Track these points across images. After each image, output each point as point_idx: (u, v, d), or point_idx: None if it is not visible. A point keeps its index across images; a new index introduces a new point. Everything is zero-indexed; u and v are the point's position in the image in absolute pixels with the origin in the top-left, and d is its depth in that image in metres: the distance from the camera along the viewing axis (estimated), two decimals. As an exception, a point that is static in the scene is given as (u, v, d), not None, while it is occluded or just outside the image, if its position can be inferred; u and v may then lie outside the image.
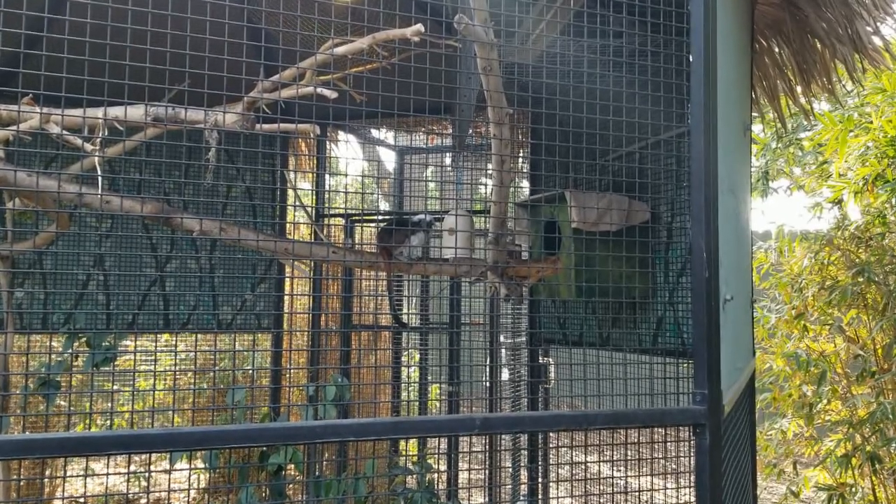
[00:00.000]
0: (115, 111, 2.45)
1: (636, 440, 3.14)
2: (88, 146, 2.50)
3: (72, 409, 4.60)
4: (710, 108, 2.03)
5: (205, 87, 2.05)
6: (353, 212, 5.54)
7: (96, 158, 2.53)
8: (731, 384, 2.33)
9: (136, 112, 2.47)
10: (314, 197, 5.55)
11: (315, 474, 4.41)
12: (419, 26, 2.40)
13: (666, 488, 3.43)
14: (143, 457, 5.04)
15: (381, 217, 5.71)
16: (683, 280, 3.27)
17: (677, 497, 3.33)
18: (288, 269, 5.43)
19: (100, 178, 2.52)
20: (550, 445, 4.64)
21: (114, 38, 1.90)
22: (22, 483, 4.35)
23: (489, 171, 5.31)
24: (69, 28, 1.90)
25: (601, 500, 4.20)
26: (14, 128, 2.51)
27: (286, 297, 5.51)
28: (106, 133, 2.53)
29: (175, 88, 2.16)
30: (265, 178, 5.37)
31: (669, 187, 3.43)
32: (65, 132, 2.48)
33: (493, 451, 4.80)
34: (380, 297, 5.36)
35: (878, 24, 3.46)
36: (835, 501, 4.61)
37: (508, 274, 3.11)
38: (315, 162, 5.74)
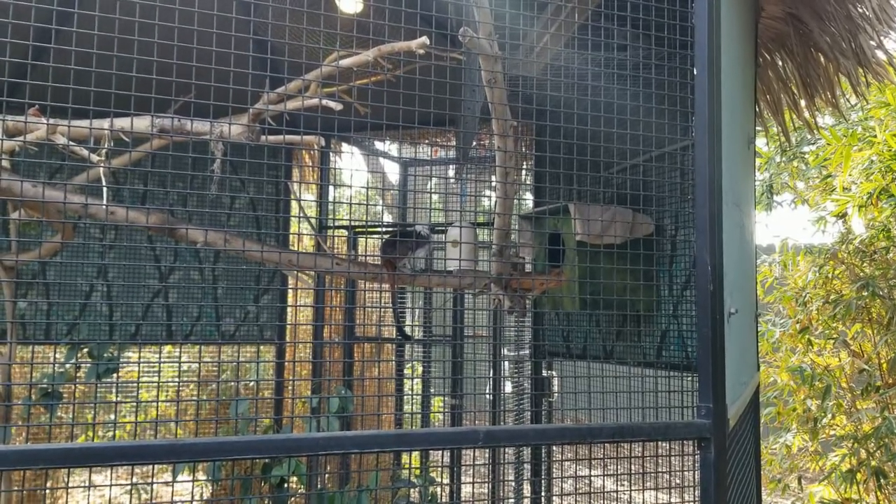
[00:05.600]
0: (122, 122, 2.46)
1: (640, 454, 3.13)
2: (94, 157, 2.51)
3: (74, 420, 4.60)
4: (714, 121, 2.03)
5: (210, 99, 2.06)
6: (357, 223, 5.54)
7: (102, 169, 2.54)
8: (736, 398, 2.32)
9: (142, 123, 2.48)
10: (318, 208, 5.56)
11: (318, 487, 4.39)
12: (424, 39, 2.41)
13: (670, 503, 3.41)
14: (145, 468, 5.03)
15: (384, 229, 5.71)
16: (688, 293, 3.27)
17: (682, 512, 3.30)
18: (291, 281, 5.43)
19: (105, 189, 2.52)
20: (554, 459, 4.61)
21: (121, 50, 1.91)
22: (24, 494, 4.33)
23: (493, 184, 5.31)
24: (76, 40, 1.91)
25: (605, 515, 4.17)
26: (21, 138, 2.52)
27: (289, 309, 5.50)
28: (112, 144, 2.54)
29: (181, 100, 2.17)
30: (269, 190, 5.39)
31: (673, 200, 3.43)
32: (71, 143, 2.49)
33: (496, 465, 4.78)
34: (383, 309, 5.36)
35: (882, 38, 3.47)
36: (840, 517, 4.59)
37: (512, 286, 3.10)
38: (319, 174, 5.75)
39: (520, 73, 3.52)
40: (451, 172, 5.90)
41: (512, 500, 4.83)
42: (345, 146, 5.85)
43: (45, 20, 3.19)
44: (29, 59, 2.36)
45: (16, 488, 3.82)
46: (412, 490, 3.54)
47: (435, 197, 6.90)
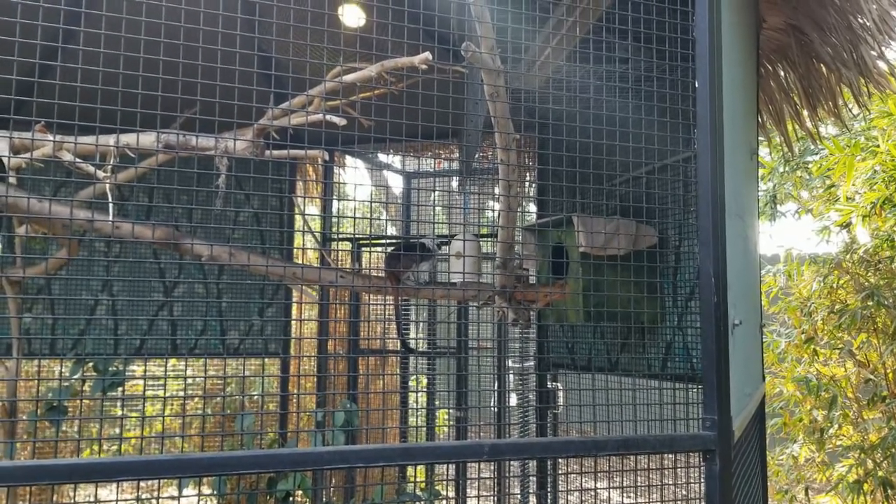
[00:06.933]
0: (127, 138, 2.48)
1: (646, 466, 3.12)
2: (100, 173, 2.53)
3: (79, 434, 4.60)
4: (716, 132, 2.04)
5: (215, 115, 2.07)
6: (361, 236, 5.55)
7: (107, 185, 2.56)
8: (741, 409, 2.32)
9: (147, 139, 2.50)
10: (322, 222, 5.57)
11: (323, 501, 4.38)
12: (427, 54, 2.42)
13: (676, 515, 3.39)
14: (151, 483, 5.02)
15: (388, 241, 5.73)
16: (692, 304, 3.26)
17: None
18: (295, 294, 5.44)
19: (111, 205, 2.54)
20: (560, 472, 4.60)
21: (126, 67, 1.92)
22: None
23: (496, 196, 5.32)
24: (82, 57, 1.93)
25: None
26: (27, 155, 2.54)
27: (294, 322, 5.50)
28: (117, 160, 2.56)
29: (185, 116, 2.19)
30: (273, 204, 5.41)
31: (676, 211, 3.44)
32: (77, 160, 2.51)
33: (501, 478, 4.76)
34: (387, 322, 5.36)
35: (883, 48, 3.48)
36: (848, 528, 4.56)
37: (516, 298, 3.11)
38: (323, 187, 5.77)
39: (522, 87, 3.53)
40: (455, 185, 5.91)
41: (518, 513, 4.81)
42: (349, 159, 5.87)
43: (51, 38, 3.22)
44: (35, 77, 2.39)
45: (21, 503, 3.82)
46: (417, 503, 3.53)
47: (438, 209, 6.91)
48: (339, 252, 5.60)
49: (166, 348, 5.03)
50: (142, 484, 4.65)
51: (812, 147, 6.51)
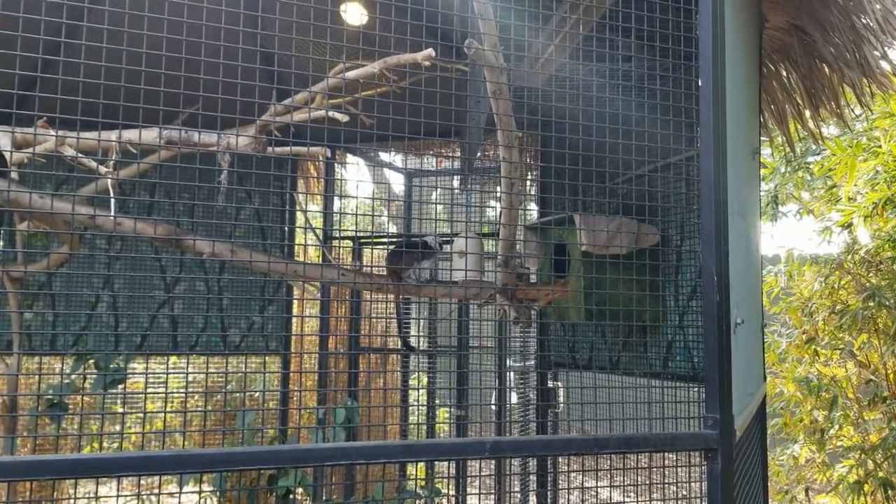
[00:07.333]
0: (129, 134, 2.48)
1: (647, 465, 3.11)
2: (102, 169, 2.53)
3: (80, 431, 4.60)
4: (719, 131, 2.04)
5: (218, 111, 2.07)
6: (362, 234, 5.55)
7: (109, 181, 2.56)
8: (743, 409, 2.31)
9: (149, 135, 2.50)
10: (323, 219, 5.57)
11: (323, 498, 4.39)
12: (430, 51, 2.42)
13: (677, 514, 3.39)
14: (151, 479, 5.03)
15: (390, 239, 5.72)
16: (694, 304, 3.26)
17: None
18: (297, 292, 5.44)
19: (112, 201, 2.54)
20: (560, 470, 4.60)
21: (129, 63, 1.92)
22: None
23: (498, 194, 5.32)
24: (85, 52, 1.93)
25: (611, 526, 4.14)
26: (29, 150, 2.54)
27: (295, 320, 5.49)
28: (119, 156, 2.56)
29: (188, 111, 2.19)
30: (275, 201, 5.41)
31: (679, 210, 3.43)
32: (79, 155, 2.51)
33: (501, 476, 4.76)
34: (388, 320, 5.36)
35: (886, 48, 3.48)
36: (848, 529, 4.56)
37: (517, 297, 3.10)
38: (324, 184, 5.77)
39: (525, 85, 3.53)
40: (457, 183, 5.91)
41: (518, 512, 4.80)
42: (350, 157, 5.87)
43: (54, 33, 3.21)
44: (38, 72, 2.38)
45: (20, 500, 3.82)
46: (418, 501, 3.53)
47: (440, 207, 6.91)
48: (341, 249, 5.59)
49: (167, 345, 5.03)
50: (142, 481, 4.66)
51: (814, 147, 6.50)
